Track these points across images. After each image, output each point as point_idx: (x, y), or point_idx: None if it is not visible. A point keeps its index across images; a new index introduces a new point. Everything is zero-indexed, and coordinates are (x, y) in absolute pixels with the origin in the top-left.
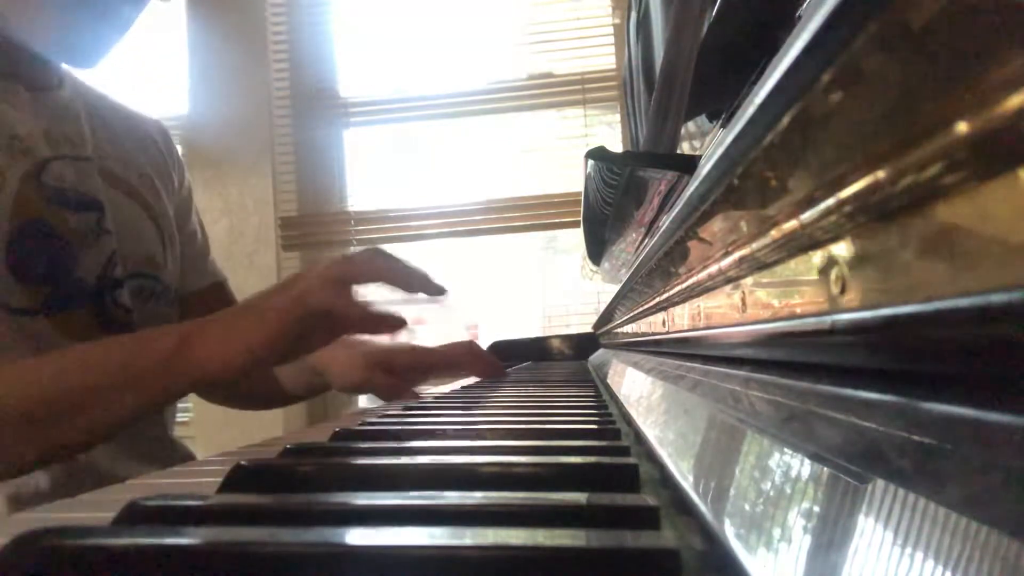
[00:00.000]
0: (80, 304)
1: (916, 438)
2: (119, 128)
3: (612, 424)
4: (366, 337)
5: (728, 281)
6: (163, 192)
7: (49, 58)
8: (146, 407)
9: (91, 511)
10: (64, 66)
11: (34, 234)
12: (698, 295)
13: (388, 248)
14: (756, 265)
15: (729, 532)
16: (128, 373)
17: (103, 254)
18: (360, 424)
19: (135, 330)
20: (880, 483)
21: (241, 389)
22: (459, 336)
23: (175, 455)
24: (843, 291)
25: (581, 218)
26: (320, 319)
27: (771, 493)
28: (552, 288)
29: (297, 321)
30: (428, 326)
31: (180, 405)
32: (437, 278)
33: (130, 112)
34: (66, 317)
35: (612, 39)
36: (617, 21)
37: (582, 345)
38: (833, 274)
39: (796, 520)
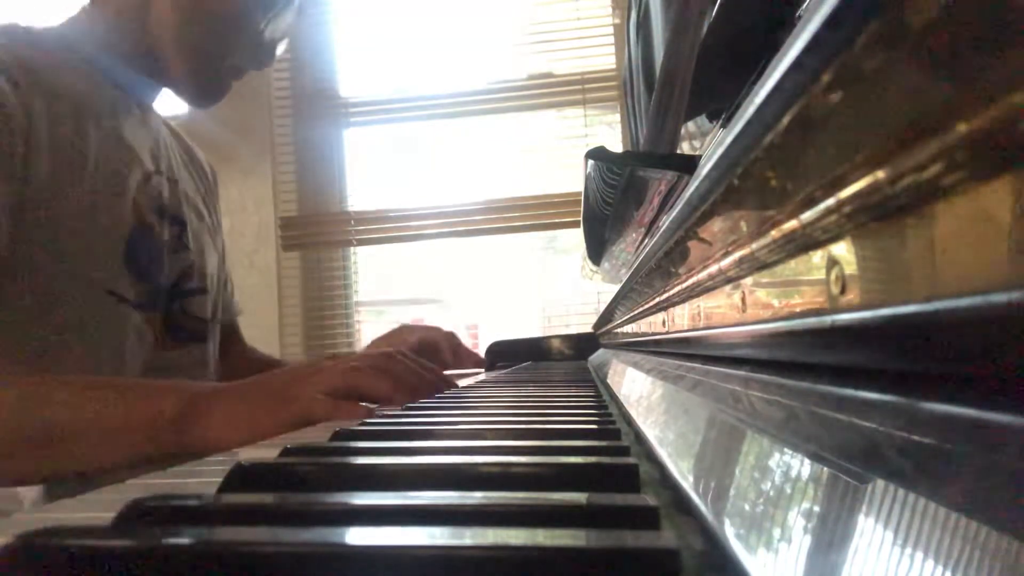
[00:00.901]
0: (159, 307)
1: (916, 438)
2: (185, 157)
3: (612, 424)
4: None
5: (728, 281)
6: (216, 221)
7: (161, 84)
8: (138, 453)
9: (91, 511)
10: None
11: (143, 236)
12: (698, 295)
13: (388, 249)
14: (756, 265)
15: (729, 532)
16: (131, 418)
17: (181, 266)
18: (360, 424)
19: (207, 340)
20: (880, 483)
21: None
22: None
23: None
24: (843, 291)
25: (581, 218)
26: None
27: (771, 493)
28: (552, 288)
29: (303, 422)
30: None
31: None
32: (447, 376)
33: (190, 144)
34: (151, 316)
35: (612, 39)
36: (617, 21)
37: (582, 345)
38: (833, 274)
39: (796, 520)
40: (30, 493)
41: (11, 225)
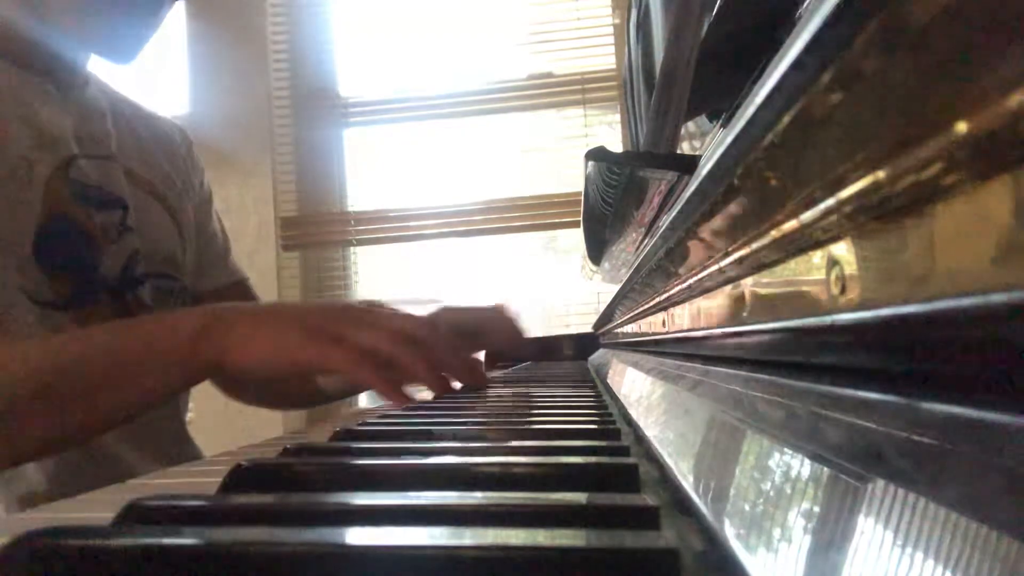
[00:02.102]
0: (102, 301)
1: (916, 438)
2: (140, 129)
3: (612, 424)
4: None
5: (728, 281)
6: (184, 193)
7: (80, 55)
8: (164, 390)
9: (91, 511)
10: (88, 67)
11: (61, 229)
12: (698, 295)
13: (388, 249)
14: (756, 265)
15: (729, 532)
16: (151, 352)
17: (125, 252)
18: (360, 424)
19: None
20: (880, 483)
21: (274, 388)
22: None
23: (187, 453)
24: (843, 291)
25: (581, 218)
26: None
27: (771, 493)
28: (552, 288)
29: (309, 367)
30: None
31: None
32: (475, 373)
33: (150, 113)
34: (88, 313)
35: (612, 39)
36: (617, 21)
37: (582, 345)
38: (833, 274)
39: (796, 520)
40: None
41: None
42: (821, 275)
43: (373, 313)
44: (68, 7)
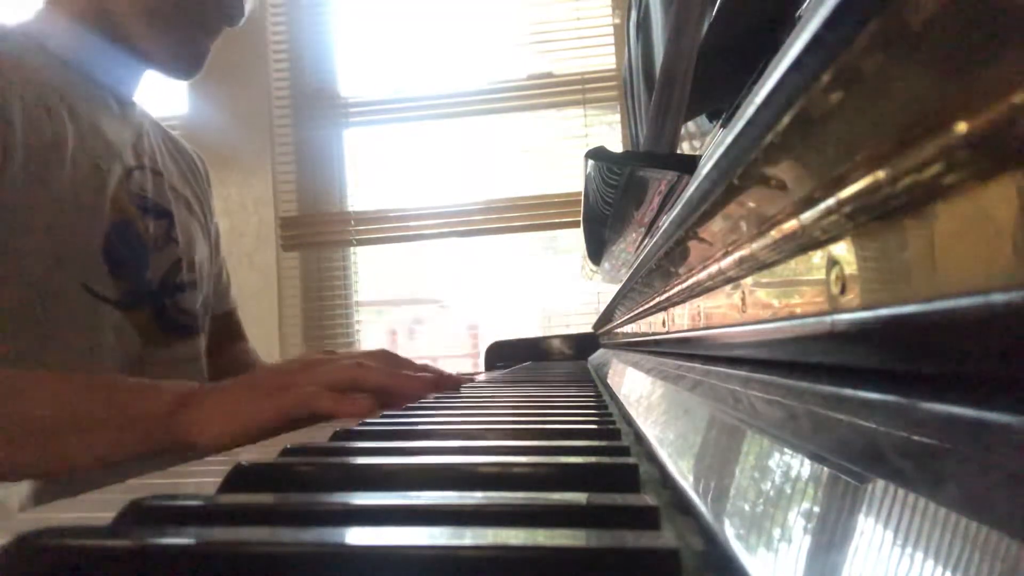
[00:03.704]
0: (145, 304)
1: (916, 438)
2: (173, 151)
3: (612, 424)
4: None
5: (728, 281)
6: (208, 215)
7: (138, 74)
8: (133, 450)
9: (91, 511)
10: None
11: (124, 232)
12: (698, 295)
13: (388, 249)
14: (756, 265)
15: (729, 532)
16: (126, 414)
17: (168, 260)
18: (360, 424)
19: (198, 335)
20: (880, 483)
21: None
22: (458, 337)
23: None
24: (843, 291)
25: (581, 218)
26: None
27: (771, 493)
28: (552, 288)
29: (295, 418)
30: (427, 326)
31: None
32: (444, 375)
33: (177, 138)
34: (134, 314)
35: (612, 39)
36: (617, 21)
37: (582, 345)
38: (833, 274)
39: (796, 520)
40: (19, 490)
41: None
42: (821, 275)
43: (324, 359)
44: (144, 24)
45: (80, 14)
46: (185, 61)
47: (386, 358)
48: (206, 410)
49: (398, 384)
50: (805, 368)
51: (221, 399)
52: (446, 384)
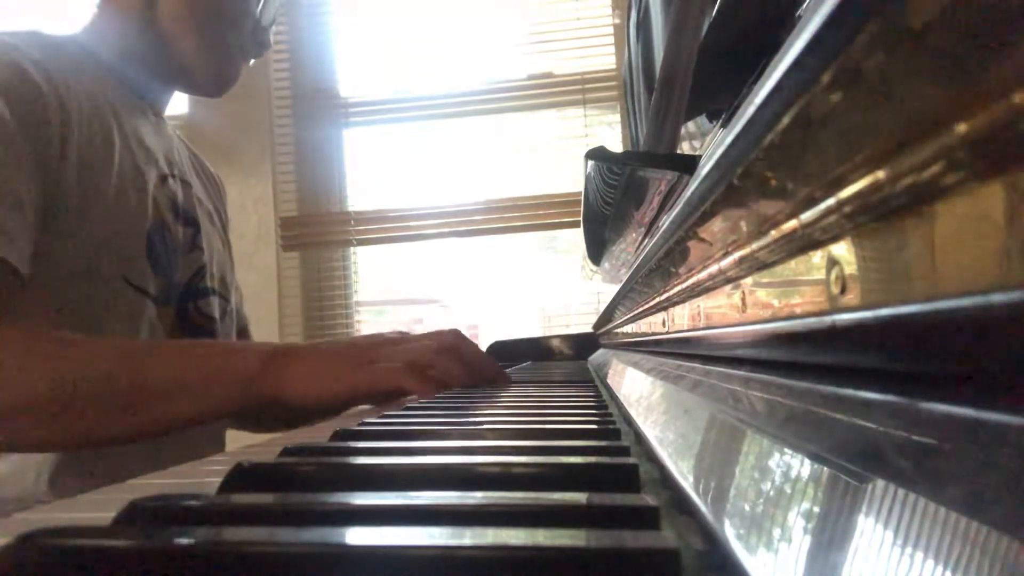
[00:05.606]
0: (173, 303)
1: (916, 438)
2: (197, 166)
3: (612, 424)
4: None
5: (728, 281)
6: (227, 230)
7: (171, 88)
8: (221, 412)
9: (91, 511)
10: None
11: (161, 232)
12: (698, 295)
13: (388, 249)
14: (756, 265)
15: (729, 532)
16: (221, 376)
17: (193, 266)
18: (360, 424)
19: (215, 338)
20: (880, 483)
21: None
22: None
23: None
24: (843, 291)
25: (581, 218)
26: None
27: (771, 493)
28: (552, 288)
29: (378, 392)
30: (427, 326)
31: None
32: (502, 373)
33: (199, 155)
34: (165, 311)
35: (612, 39)
36: (617, 21)
37: (582, 345)
38: (833, 274)
39: (796, 520)
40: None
41: (39, 223)
42: (821, 275)
43: (402, 338)
44: (193, 41)
45: (130, 29)
46: (223, 78)
47: (454, 341)
48: (295, 370)
49: (458, 379)
50: (805, 368)
51: (308, 362)
52: (500, 382)
